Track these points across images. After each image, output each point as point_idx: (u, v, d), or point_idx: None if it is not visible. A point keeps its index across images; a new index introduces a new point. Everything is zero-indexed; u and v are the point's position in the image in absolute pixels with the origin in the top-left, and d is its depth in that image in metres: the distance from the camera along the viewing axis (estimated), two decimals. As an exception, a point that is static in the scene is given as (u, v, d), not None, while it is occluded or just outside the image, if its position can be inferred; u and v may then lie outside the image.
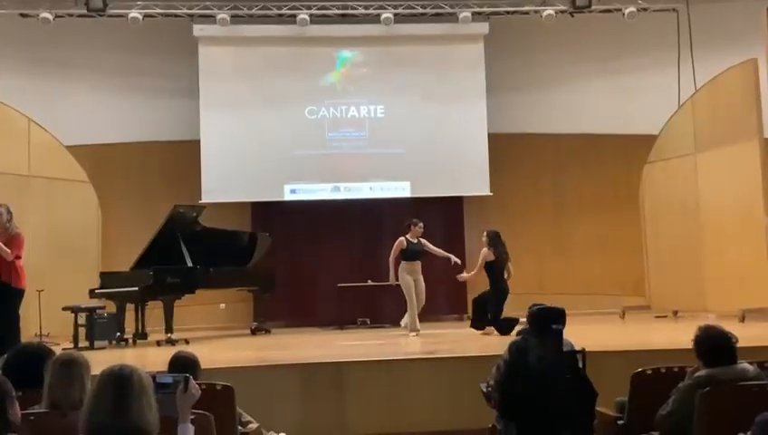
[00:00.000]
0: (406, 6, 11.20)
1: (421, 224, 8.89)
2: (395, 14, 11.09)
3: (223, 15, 10.87)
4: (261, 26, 11.36)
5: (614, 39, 11.66)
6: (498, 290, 8.53)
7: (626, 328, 9.50)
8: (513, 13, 11.34)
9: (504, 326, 8.11)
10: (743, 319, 8.50)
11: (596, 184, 11.72)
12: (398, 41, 11.45)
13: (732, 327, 3.90)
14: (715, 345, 3.75)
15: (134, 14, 10.64)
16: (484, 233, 8.83)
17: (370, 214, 11.42)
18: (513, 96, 11.79)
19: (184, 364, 3.86)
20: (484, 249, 8.67)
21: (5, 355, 3.83)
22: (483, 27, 11.40)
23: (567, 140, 11.84)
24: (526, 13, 11.28)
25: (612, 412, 4.23)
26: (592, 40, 11.75)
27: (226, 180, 11.14)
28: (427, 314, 9.37)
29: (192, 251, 9.13)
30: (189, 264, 9.05)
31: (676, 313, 10.15)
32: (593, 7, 11.10)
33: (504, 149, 11.46)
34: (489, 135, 11.38)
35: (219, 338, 9.44)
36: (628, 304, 10.85)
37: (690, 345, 3.83)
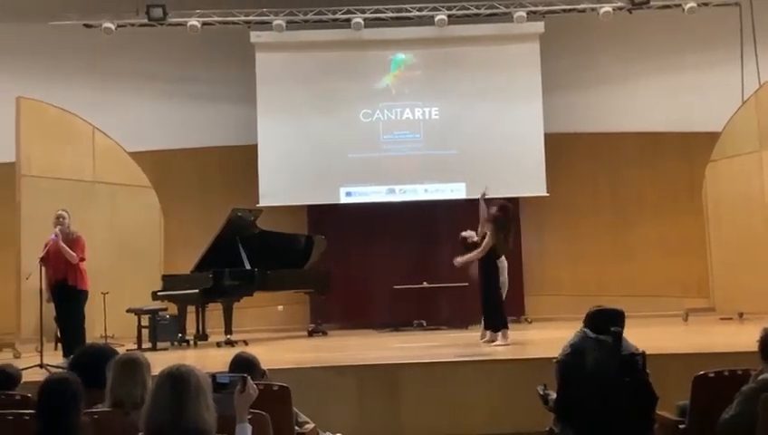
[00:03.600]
0: (460, 7, 11.16)
1: None
2: (449, 16, 11.07)
3: (279, 21, 11.02)
4: (316, 31, 11.48)
5: (673, 35, 11.40)
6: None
7: (688, 330, 9.28)
8: (570, 11, 11.19)
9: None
10: (812, 321, 8.20)
11: (656, 183, 11.49)
12: (453, 42, 11.42)
13: (799, 329, 3.77)
14: (780, 347, 3.64)
15: (193, 22, 10.87)
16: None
17: (426, 216, 11.40)
18: (570, 95, 11.64)
19: (244, 365, 3.91)
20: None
21: (72, 355, 3.96)
22: (538, 26, 11.28)
23: (626, 139, 11.63)
24: (583, 11, 11.11)
25: (673, 416, 4.13)
26: (651, 36, 11.50)
27: (283, 184, 11.28)
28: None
29: (250, 254, 9.29)
30: (247, 266, 9.20)
31: (741, 314, 9.85)
32: (652, 3, 10.87)
33: (560, 148, 11.32)
34: (545, 135, 11.25)
35: (277, 340, 9.56)
36: (692, 307, 10.58)
37: (755, 347, 3.71)
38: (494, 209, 7.88)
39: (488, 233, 7.76)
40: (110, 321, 9.27)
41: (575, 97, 11.66)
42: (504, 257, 7.83)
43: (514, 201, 11.29)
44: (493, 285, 7.75)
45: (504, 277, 7.85)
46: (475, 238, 8.12)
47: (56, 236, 7.27)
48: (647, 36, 11.50)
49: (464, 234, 8.32)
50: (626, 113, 11.59)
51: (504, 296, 7.86)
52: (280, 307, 11.27)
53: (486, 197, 8.32)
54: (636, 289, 10.89)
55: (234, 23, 11.23)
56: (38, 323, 7.47)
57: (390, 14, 11.25)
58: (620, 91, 11.66)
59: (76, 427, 2.76)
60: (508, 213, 8.00)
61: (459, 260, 8.02)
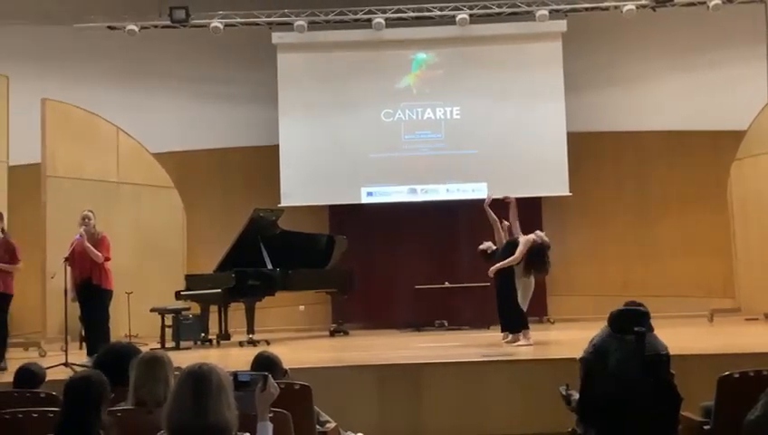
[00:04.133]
0: (481, 6, 11.12)
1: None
2: (470, 15, 11.04)
3: (300, 22, 11.05)
4: (337, 31, 11.51)
5: (698, 32, 11.28)
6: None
7: (714, 331, 9.17)
8: (592, 9, 11.11)
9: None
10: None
11: (681, 182, 11.37)
12: (474, 41, 11.39)
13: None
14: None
15: (215, 23, 10.94)
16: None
17: (447, 216, 11.38)
18: (593, 94, 11.56)
19: (266, 364, 3.92)
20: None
21: (96, 354, 4.00)
22: (560, 25, 11.22)
23: (650, 138, 11.54)
24: (606, 9, 11.03)
25: (698, 417, 4.08)
26: (674, 34, 11.38)
27: (304, 184, 11.32)
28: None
29: (272, 254, 9.33)
30: (269, 266, 9.23)
31: (767, 315, 9.72)
32: (676, 0, 10.77)
33: (583, 148, 11.24)
34: (568, 134, 11.18)
35: (298, 339, 9.60)
36: (717, 307, 10.46)
37: (781, 348, 3.66)
38: (534, 238, 7.73)
39: (521, 247, 7.66)
40: (135, 320, 9.36)
41: (598, 96, 11.58)
42: (532, 277, 7.77)
43: (536, 201, 11.30)
44: (508, 288, 7.73)
45: (529, 294, 7.80)
46: (494, 247, 8.11)
47: (81, 236, 7.35)
48: (670, 34, 11.38)
49: (482, 247, 8.31)
50: (650, 112, 11.49)
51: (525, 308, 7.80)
52: (302, 307, 11.30)
53: (492, 198, 8.27)
54: (660, 289, 10.78)
55: (255, 24, 11.29)
56: (63, 323, 7.56)
57: (411, 14, 11.24)
58: (644, 89, 11.56)
59: (100, 425, 2.78)
60: (544, 254, 7.80)
61: (493, 269, 7.87)
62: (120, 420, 3.05)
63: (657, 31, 11.32)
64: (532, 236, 7.77)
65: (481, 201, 10.84)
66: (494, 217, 8.15)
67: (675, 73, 11.49)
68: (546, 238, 7.83)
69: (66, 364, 6.68)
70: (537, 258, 7.68)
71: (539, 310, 10.86)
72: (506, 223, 8.13)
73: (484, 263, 8.14)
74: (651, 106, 11.50)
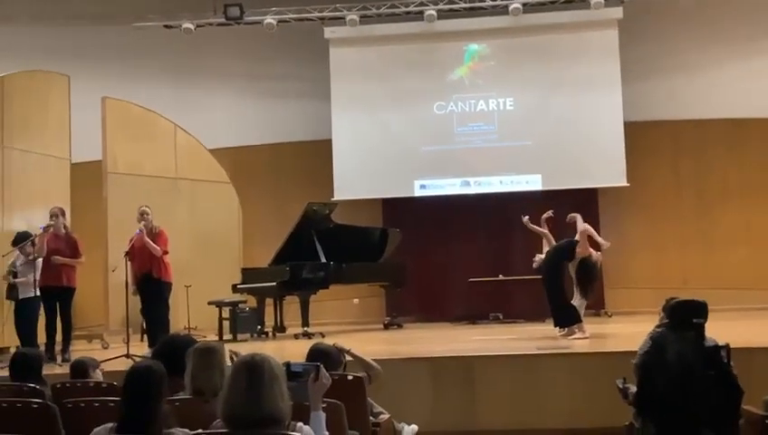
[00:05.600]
0: (534, -5, 11.00)
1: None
2: (523, 4, 10.91)
3: (352, 16, 11.09)
4: (389, 25, 11.50)
5: (758, 18, 10.93)
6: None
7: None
8: (649, -5, 10.87)
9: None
10: None
11: (742, 171, 11.06)
12: (527, 31, 11.25)
13: None
14: None
15: (269, 20, 11.06)
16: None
17: (501, 208, 11.27)
18: (650, 82, 11.31)
19: (320, 355, 3.96)
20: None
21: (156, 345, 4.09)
22: (616, 12, 10.99)
23: (710, 126, 11.24)
24: (663, -6, 10.78)
25: (760, 411, 3.97)
26: (733, 20, 11.05)
27: (357, 178, 11.36)
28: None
29: (325, 247, 9.39)
30: (323, 260, 9.30)
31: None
32: (735, -15, 10.46)
33: (640, 137, 11.02)
34: (625, 123, 10.96)
35: (353, 332, 9.64)
36: (780, 300, 10.15)
37: None
38: (594, 256, 7.70)
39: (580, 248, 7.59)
40: (193, 313, 9.55)
41: (656, 84, 11.31)
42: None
43: (592, 192, 11.11)
44: (555, 285, 7.67)
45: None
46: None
47: (141, 231, 7.53)
48: (729, 20, 11.06)
49: (535, 266, 8.21)
50: (710, 99, 11.18)
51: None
52: (356, 300, 11.36)
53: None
54: (721, 282, 10.50)
55: (308, 19, 11.37)
56: (125, 316, 7.76)
57: (464, 5, 11.16)
58: (703, 76, 11.26)
59: (159, 413, 2.84)
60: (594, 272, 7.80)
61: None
62: (177, 410, 3.11)
63: (715, 16, 11.01)
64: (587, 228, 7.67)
65: (536, 193, 10.82)
66: (539, 229, 8.12)
67: (734, 60, 11.16)
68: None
69: (128, 356, 6.86)
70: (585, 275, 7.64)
71: (596, 303, 10.64)
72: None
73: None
74: (711, 93, 11.19)
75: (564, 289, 7.68)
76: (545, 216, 8.08)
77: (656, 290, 8.31)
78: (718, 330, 3.89)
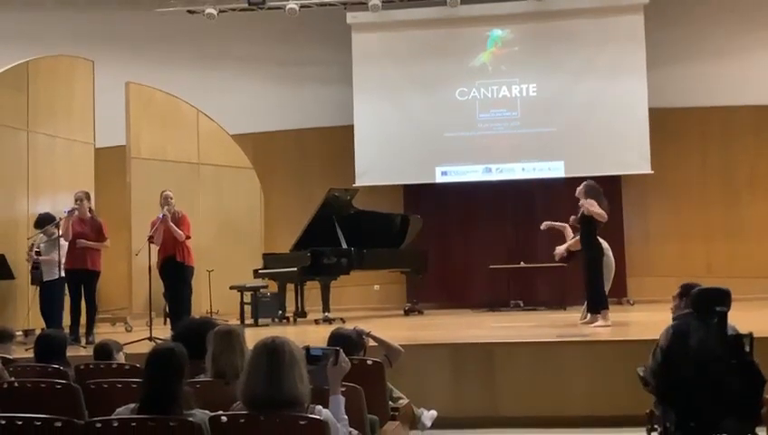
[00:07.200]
0: (559, -20, 10.87)
1: None
2: (548, -11, 10.80)
3: (375, 1, 11.03)
4: (411, 10, 11.43)
5: (789, 2, 10.73)
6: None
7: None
8: (676, -21, 10.70)
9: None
10: None
11: (769, 159, 10.89)
12: (552, 16, 11.14)
13: None
14: None
15: (291, 5, 11.03)
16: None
17: (523, 195, 11.23)
18: (676, 68, 11.14)
19: (341, 340, 3.98)
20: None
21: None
22: (643, -3, 10.85)
23: (737, 113, 11.07)
24: (690, -21, 10.61)
25: (783, 401, 3.93)
26: (761, 5, 10.84)
27: (379, 164, 11.34)
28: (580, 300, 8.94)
29: (347, 233, 9.41)
30: (344, 245, 9.32)
31: None
32: (765, -32, 10.26)
33: (666, 124, 10.87)
34: (650, 110, 10.83)
35: (373, 318, 9.66)
36: (806, 289, 10.01)
37: None
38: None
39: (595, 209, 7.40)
40: (215, 297, 9.64)
41: (682, 70, 11.15)
42: (611, 257, 7.78)
43: (616, 179, 11.00)
44: (594, 267, 7.57)
45: (610, 275, 7.80)
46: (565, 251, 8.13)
47: (164, 216, 7.59)
48: (757, 5, 10.85)
49: (558, 257, 8.26)
50: (738, 85, 11.00)
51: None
52: (376, 286, 11.38)
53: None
54: (746, 270, 10.38)
55: (330, 4, 11.34)
56: (148, 299, 7.84)
57: (487, -10, 11.07)
58: (730, 63, 11.06)
59: (180, 394, 2.87)
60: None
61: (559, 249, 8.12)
62: (198, 392, 3.14)
63: (743, 2, 10.80)
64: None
65: (558, 180, 10.72)
66: (558, 224, 8.16)
67: (762, 46, 10.96)
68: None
69: (150, 338, 6.93)
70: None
71: (618, 291, 10.58)
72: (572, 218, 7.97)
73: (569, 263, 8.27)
74: (739, 80, 11.01)
75: (601, 272, 7.58)
76: (572, 222, 7.98)
77: (679, 279, 8.04)
78: (742, 319, 3.85)
